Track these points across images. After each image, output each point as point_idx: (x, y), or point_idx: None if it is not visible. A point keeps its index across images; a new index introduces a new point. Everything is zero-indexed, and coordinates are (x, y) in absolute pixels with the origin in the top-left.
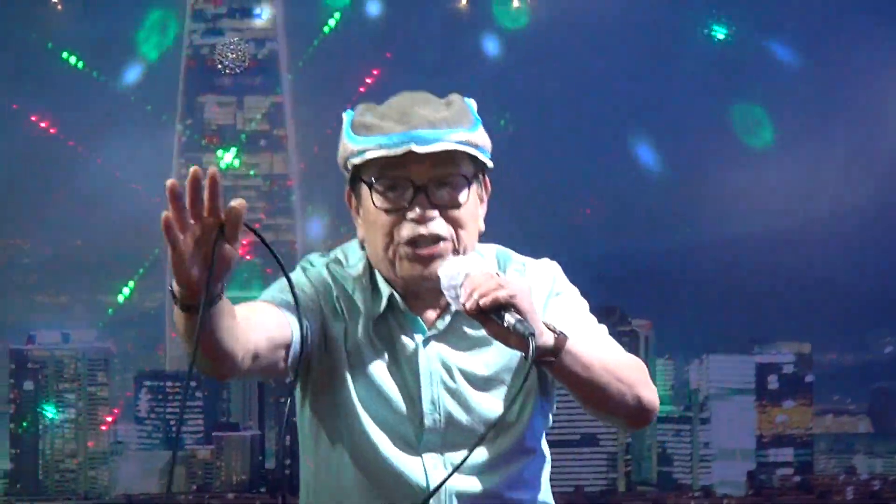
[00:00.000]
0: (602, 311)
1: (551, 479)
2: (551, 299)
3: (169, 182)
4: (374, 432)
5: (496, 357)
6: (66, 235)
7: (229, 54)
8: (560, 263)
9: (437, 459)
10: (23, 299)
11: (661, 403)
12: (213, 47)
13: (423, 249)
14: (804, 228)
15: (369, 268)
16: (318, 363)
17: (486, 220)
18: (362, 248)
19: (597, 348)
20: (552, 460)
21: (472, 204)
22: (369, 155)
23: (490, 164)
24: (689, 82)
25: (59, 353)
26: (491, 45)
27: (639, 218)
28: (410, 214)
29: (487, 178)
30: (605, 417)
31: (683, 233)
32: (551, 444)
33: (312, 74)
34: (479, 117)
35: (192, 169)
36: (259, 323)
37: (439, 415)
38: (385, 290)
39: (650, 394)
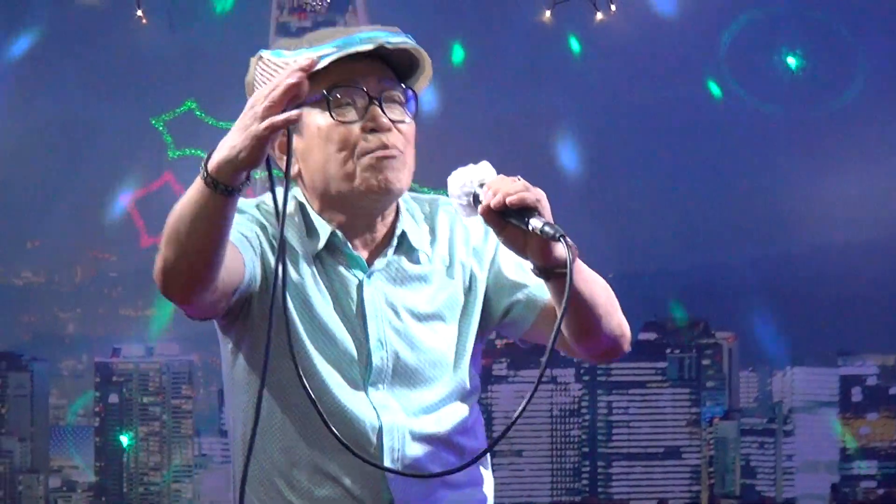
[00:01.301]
0: (687, 324)
1: (637, 491)
2: (490, 246)
3: (308, 62)
4: (324, 370)
5: (437, 293)
6: (152, 249)
7: None
8: (645, 275)
9: (387, 399)
10: (108, 313)
11: (745, 416)
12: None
13: (386, 154)
14: (889, 239)
15: (301, 208)
16: (259, 303)
17: (570, 233)
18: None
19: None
20: (638, 473)
21: (414, 127)
22: (335, 56)
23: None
24: (773, 95)
25: (143, 366)
26: (577, 60)
27: (723, 231)
28: (369, 125)
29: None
30: (589, 345)
31: (767, 245)
32: (634, 458)
33: None
34: None
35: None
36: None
37: (386, 354)
38: (324, 227)
39: (624, 319)
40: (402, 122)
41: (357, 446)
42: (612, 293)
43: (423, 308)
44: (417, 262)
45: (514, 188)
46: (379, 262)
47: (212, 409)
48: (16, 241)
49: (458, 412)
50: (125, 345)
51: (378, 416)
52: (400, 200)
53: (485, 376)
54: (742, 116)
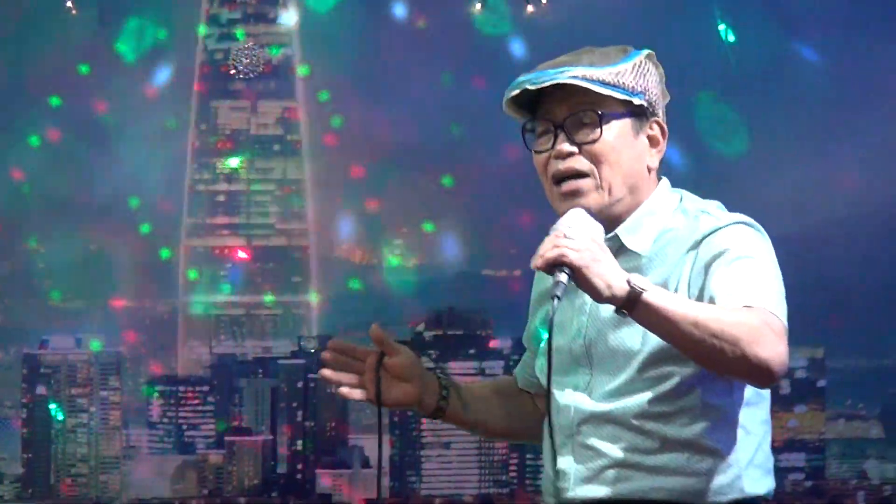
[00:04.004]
0: None
1: None
2: (714, 263)
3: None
4: (555, 357)
5: None
6: (81, 241)
7: (243, 59)
8: None
9: (580, 382)
10: (37, 304)
11: None
12: (227, 52)
13: (564, 186)
14: (818, 231)
15: None
16: None
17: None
18: None
19: (700, 306)
20: None
21: (620, 141)
22: (504, 102)
23: (633, 100)
24: (701, 82)
25: (72, 357)
26: (513, 48)
27: None
28: (553, 152)
29: (662, 120)
30: (719, 374)
31: None
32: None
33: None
34: (630, 59)
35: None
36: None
37: (583, 342)
38: None
39: (764, 351)
40: (591, 142)
41: (554, 426)
42: (738, 326)
43: None
44: (632, 262)
45: (545, 248)
46: None
47: (140, 400)
48: None
49: (639, 396)
50: (53, 336)
51: (562, 396)
52: (668, 204)
53: None
54: (688, 109)
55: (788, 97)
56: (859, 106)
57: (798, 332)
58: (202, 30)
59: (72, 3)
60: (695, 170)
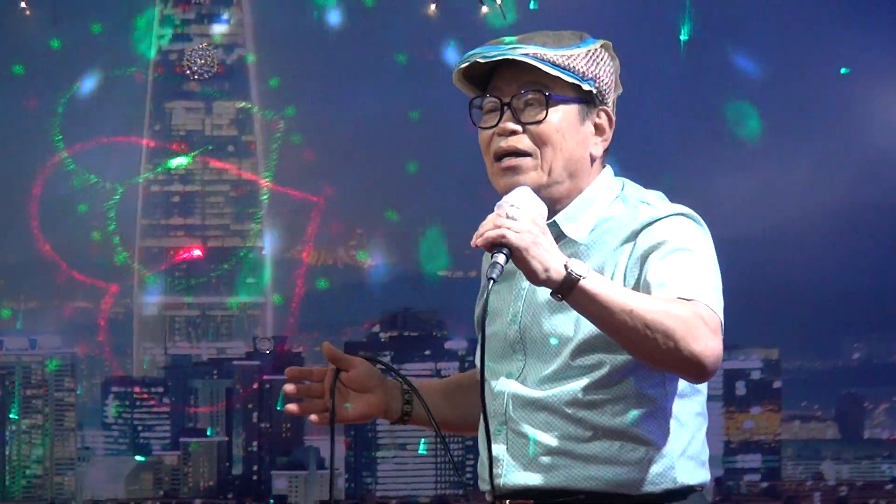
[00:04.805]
0: None
1: None
2: (651, 255)
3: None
4: (487, 342)
5: None
6: (35, 241)
7: (198, 60)
8: None
9: (515, 368)
10: None
11: None
12: (181, 53)
13: (504, 162)
14: (773, 233)
15: None
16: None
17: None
18: None
19: (636, 296)
20: None
21: (565, 125)
22: (454, 74)
23: (582, 85)
24: (656, 90)
25: (26, 358)
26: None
27: None
28: (497, 129)
29: (610, 110)
30: (652, 366)
31: None
32: None
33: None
34: (584, 45)
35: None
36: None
37: (518, 327)
38: None
39: (697, 345)
40: (535, 122)
41: (488, 412)
42: (673, 319)
43: None
44: (570, 249)
45: (484, 228)
46: None
47: (94, 401)
48: None
49: (572, 384)
50: (7, 337)
51: (505, 388)
52: (609, 192)
53: None
54: (634, 116)
55: (737, 101)
56: (808, 110)
57: (754, 333)
58: (156, 30)
59: (25, 3)
60: (638, 177)
